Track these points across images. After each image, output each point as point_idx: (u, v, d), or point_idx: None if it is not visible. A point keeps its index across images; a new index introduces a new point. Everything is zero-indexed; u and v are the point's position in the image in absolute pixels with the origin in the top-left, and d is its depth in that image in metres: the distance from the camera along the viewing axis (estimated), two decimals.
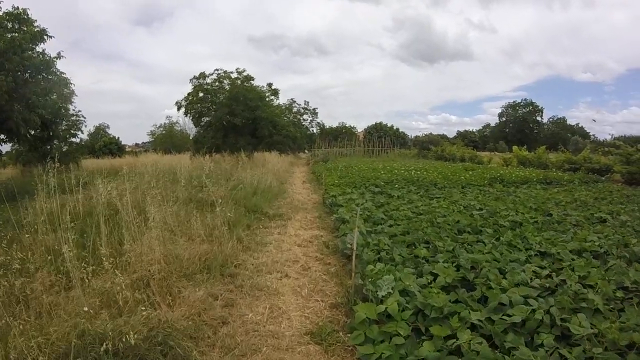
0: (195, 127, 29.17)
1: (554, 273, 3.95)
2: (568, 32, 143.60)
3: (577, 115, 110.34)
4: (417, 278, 3.82)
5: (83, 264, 3.35)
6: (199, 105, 27.09)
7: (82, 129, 17.83)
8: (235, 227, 6.17)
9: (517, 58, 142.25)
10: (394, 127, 67.00)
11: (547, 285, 3.62)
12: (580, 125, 77.69)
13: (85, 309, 2.83)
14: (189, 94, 26.92)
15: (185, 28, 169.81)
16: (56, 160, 5.63)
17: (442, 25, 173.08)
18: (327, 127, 55.96)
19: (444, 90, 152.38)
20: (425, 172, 14.26)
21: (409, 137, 73.22)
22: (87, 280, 3.30)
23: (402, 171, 14.89)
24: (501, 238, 5.46)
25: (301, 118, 46.58)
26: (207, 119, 27.43)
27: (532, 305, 3.06)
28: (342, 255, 5.30)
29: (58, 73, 14.55)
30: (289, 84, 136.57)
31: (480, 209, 8.08)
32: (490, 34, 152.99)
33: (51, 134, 15.34)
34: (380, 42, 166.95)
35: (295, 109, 45.84)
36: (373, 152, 38.95)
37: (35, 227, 4.39)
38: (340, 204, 8.23)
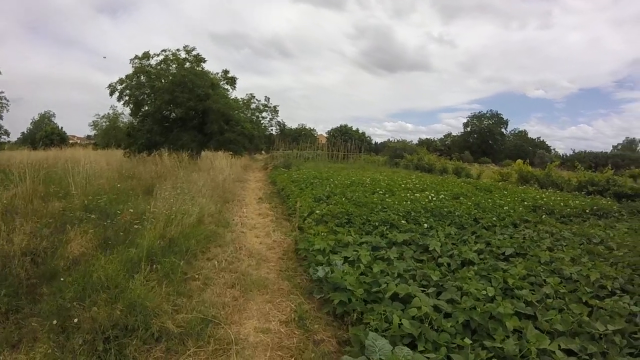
0: (134, 118, 23.10)
1: None
2: (524, 51, 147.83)
3: (529, 129, 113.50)
4: None
5: None
6: (137, 91, 21.18)
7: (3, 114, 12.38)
8: None
9: (474, 72, 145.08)
10: (360, 131, 63.77)
11: None
12: (541, 139, 78.14)
13: None
14: (126, 77, 21.02)
15: (149, 20, 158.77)
16: None
17: (403, 36, 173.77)
18: (287, 128, 51.19)
19: (402, 99, 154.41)
20: (436, 194, 9.84)
21: (373, 142, 70.47)
22: None
23: (403, 188, 10.44)
24: None
25: (260, 116, 41.32)
26: (147, 108, 21.67)
27: None
28: None
29: None
30: (250, 84, 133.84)
31: (617, 294, 3.88)
32: (449, 48, 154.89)
33: None
34: (341, 49, 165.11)
35: (254, 105, 40.50)
36: (338, 156, 34.67)
37: None
38: (351, 292, 3.53)
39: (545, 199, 10.03)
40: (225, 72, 24.86)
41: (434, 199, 8.71)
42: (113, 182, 9.72)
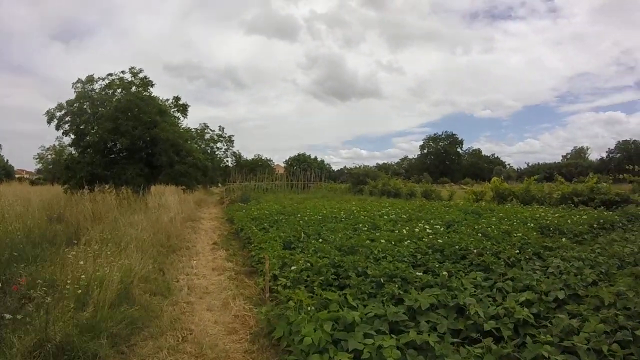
0: (75, 149, 20.16)
1: None
2: (470, 74, 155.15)
3: (479, 148, 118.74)
4: None
5: None
6: (78, 119, 18.49)
7: None
8: None
9: (423, 97, 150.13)
10: (318, 159, 62.58)
11: None
12: (495, 156, 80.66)
13: None
14: (66, 102, 18.33)
15: (104, 48, 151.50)
16: None
17: (353, 65, 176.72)
18: (243, 159, 48.97)
19: (355, 126, 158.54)
20: (429, 224, 8.37)
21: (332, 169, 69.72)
22: None
23: (386, 220, 8.93)
24: None
25: (214, 146, 38.73)
26: (89, 138, 18.95)
27: None
28: None
29: None
30: (205, 116, 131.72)
31: None
32: (398, 75, 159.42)
33: None
34: (294, 78, 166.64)
35: (207, 136, 37.88)
36: (298, 186, 33.08)
37: None
38: None
39: (550, 218, 8.90)
40: (177, 98, 22.75)
41: (431, 231, 7.17)
42: (31, 228, 7.51)
